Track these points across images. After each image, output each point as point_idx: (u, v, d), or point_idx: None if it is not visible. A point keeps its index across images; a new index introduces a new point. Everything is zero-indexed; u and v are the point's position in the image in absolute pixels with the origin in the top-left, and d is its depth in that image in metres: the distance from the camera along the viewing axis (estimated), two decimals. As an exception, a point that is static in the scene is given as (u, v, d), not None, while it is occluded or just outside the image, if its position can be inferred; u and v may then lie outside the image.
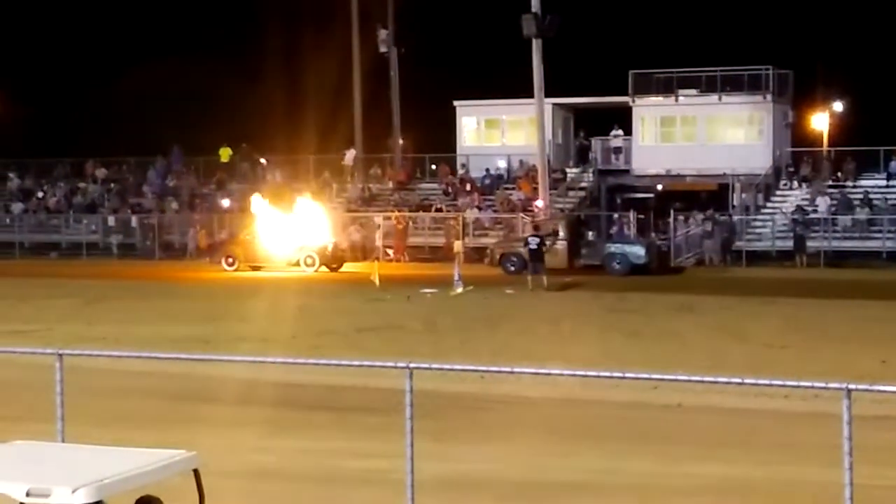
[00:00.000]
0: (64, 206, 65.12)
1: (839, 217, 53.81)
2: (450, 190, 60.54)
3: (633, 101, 59.61)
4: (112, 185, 66.37)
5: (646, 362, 24.36)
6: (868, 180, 56.22)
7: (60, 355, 11.83)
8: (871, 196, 54.41)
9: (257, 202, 52.97)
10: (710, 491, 15.30)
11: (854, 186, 56.00)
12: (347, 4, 62.69)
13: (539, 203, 54.63)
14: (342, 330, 30.33)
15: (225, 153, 66.03)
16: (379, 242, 55.56)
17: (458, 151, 62.83)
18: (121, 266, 53.17)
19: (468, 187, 59.87)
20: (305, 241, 50.48)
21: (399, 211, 57.53)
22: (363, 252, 54.40)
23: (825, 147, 63.89)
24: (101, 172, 67.36)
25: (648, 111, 59.87)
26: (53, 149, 67.69)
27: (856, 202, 54.45)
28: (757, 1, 75.66)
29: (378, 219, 56.92)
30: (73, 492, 7.92)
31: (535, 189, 55.91)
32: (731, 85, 58.65)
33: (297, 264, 50.23)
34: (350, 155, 63.64)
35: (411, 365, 10.87)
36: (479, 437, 18.63)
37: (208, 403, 20.53)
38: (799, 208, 54.48)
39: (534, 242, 41.80)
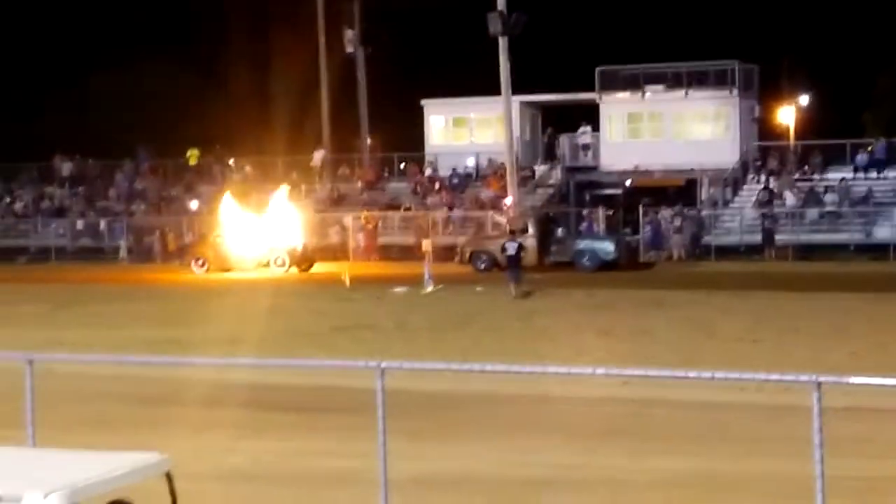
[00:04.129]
0: (31, 211, 64.83)
1: (807, 210, 54.05)
2: (419, 189, 60.54)
3: (600, 98, 59.72)
4: (79, 188, 66.09)
5: (617, 358, 24.42)
6: (835, 173, 56.45)
7: (31, 360, 11.77)
8: (837, 189, 54.66)
9: (227, 202, 52.86)
10: (681, 485, 15.35)
11: (821, 180, 56.25)
12: (314, 5, 62.59)
13: (508, 201, 54.67)
14: (313, 330, 30.27)
15: (193, 156, 65.83)
16: (352, 243, 55.60)
17: (427, 150, 62.80)
18: (90, 270, 52.89)
19: (437, 186, 59.88)
20: (275, 243, 50.39)
21: (368, 211, 57.49)
22: (340, 252, 54.22)
23: (792, 141, 64.14)
24: (66, 167, 67.02)
25: (615, 107, 59.99)
26: (19, 153, 67.32)
27: (823, 195, 54.72)
28: (722, -4, 75.91)
29: (348, 219, 56.88)
30: (45, 497, 7.89)
31: (504, 187, 55.96)
32: (698, 80, 58.84)
33: (268, 265, 50.14)
34: (318, 155, 63.56)
35: (382, 364, 10.87)
36: (452, 436, 18.64)
37: (180, 406, 20.47)
38: (759, 201, 54.79)
39: (512, 248, 39.88)
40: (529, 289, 38.87)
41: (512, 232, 43.87)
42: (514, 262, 39.62)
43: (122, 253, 59.23)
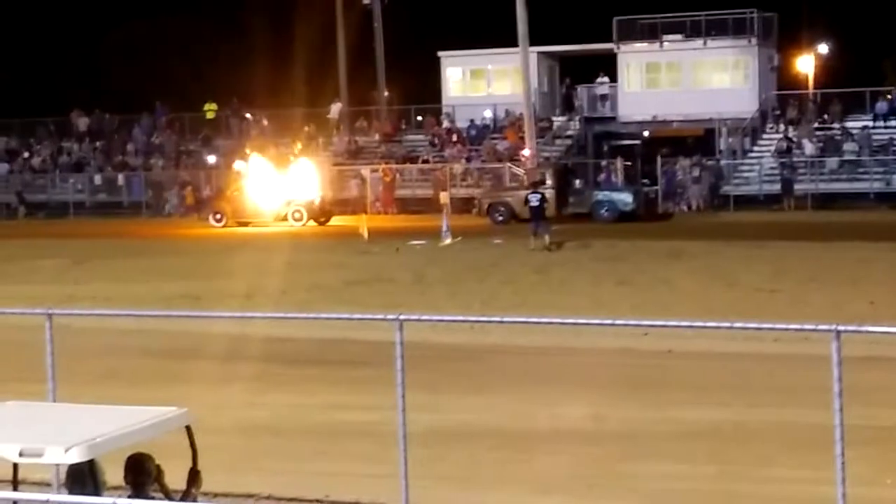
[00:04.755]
0: (50, 166, 64.91)
1: (826, 159, 53.85)
2: (436, 141, 60.42)
3: (618, 48, 59.45)
4: (97, 143, 66.12)
5: (636, 309, 24.40)
6: (854, 122, 56.19)
7: (50, 315, 11.80)
8: (858, 138, 54.44)
9: (245, 156, 52.92)
10: (701, 436, 15.37)
11: (840, 128, 55.97)
12: (329, -44, 62.32)
13: (526, 152, 54.55)
14: (331, 284, 30.30)
15: (210, 109, 65.79)
16: (370, 196, 55.59)
17: (444, 102, 62.65)
18: (108, 225, 53.00)
19: (454, 138, 59.76)
20: (293, 196, 50.41)
21: (386, 163, 57.42)
22: (361, 206, 54.20)
23: (811, 90, 63.80)
24: (83, 122, 67.03)
25: (633, 57, 59.71)
26: (37, 108, 67.35)
27: (843, 144, 54.49)
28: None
29: (365, 172, 56.86)
30: (66, 451, 7.93)
31: (522, 138, 55.80)
32: (716, 29, 58.52)
33: (285, 219, 50.18)
34: (336, 108, 63.45)
35: (401, 317, 10.87)
36: (470, 388, 18.68)
37: (199, 360, 20.54)
38: (778, 151, 54.61)
39: (535, 200, 39.04)
40: (558, 240, 38.54)
41: (534, 184, 43.34)
42: (538, 214, 38.89)
43: (169, 207, 58.93)
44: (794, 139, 55.52)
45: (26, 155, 66.20)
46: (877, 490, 12.74)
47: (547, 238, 37.94)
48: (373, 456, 13.92)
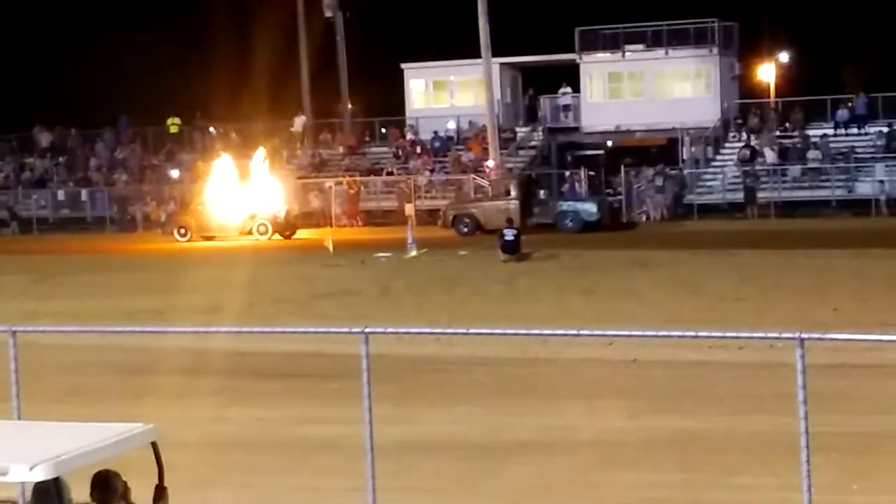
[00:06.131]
0: (12, 182, 64.56)
1: (788, 167, 54.12)
2: (400, 153, 60.43)
3: (581, 59, 59.58)
4: (60, 158, 65.82)
5: (601, 319, 24.46)
6: (816, 130, 56.49)
7: (14, 332, 11.72)
8: (819, 145, 54.73)
9: (208, 170, 52.82)
10: (668, 444, 15.41)
11: (801, 136, 56.24)
12: (291, -31, 62.26)
13: (490, 163, 54.62)
14: (297, 297, 30.26)
15: (173, 124, 65.59)
16: (334, 209, 55.49)
17: (408, 114, 62.66)
18: (72, 240, 52.71)
19: (418, 150, 59.79)
20: (257, 210, 50.28)
21: (350, 176, 57.37)
22: (323, 218, 54.16)
23: (772, 98, 64.14)
24: (45, 138, 66.69)
25: (596, 68, 59.85)
26: (-1, 124, 67.04)
27: (805, 152, 54.77)
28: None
29: (330, 185, 56.77)
30: (31, 469, 7.89)
31: (486, 149, 55.88)
32: (678, 39, 58.74)
33: (250, 233, 50.02)
34: (299, 121, 63.37)
35: (367, 330, 10.86)
36: (438, 399, 18.69)
37: (165, 375, 20.44)
38: (740, 159, 54.87)
39: (510, 234, 38.47)
40: (525, 251, 38.39)
41: (510, 220, 42.35)
42: (511, 248, 38.13)
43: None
44: (757, 147, 55.75)
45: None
46: (843, 497, 12.81)
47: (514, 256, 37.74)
48: (340, 469, 13.89)
